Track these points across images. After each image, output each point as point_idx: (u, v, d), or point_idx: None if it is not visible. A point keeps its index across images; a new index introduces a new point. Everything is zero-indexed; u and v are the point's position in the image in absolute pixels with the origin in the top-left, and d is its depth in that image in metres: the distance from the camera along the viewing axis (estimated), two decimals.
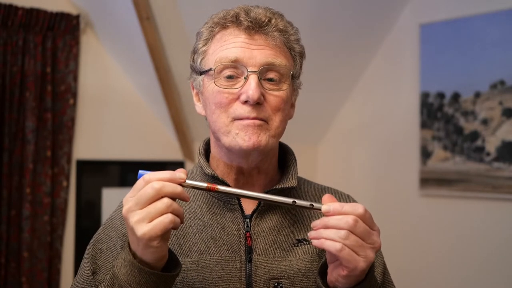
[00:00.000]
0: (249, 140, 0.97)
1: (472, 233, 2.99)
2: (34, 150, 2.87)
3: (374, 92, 3.46)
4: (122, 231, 1.04)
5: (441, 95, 3.09)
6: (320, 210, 0.89)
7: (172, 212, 0.84)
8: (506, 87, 2.85)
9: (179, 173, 0.88)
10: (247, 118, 0.97)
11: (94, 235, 1.08)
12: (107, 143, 3.19)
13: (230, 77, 0.99)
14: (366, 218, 0.88)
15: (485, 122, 2.92)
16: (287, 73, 1.01)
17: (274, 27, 1.00)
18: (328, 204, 0.89)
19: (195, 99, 1.09)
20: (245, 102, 0.97)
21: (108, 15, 3.02)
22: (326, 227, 0.87)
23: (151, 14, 2.75)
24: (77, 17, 2.99)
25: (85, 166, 3.11)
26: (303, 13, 2.95)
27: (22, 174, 2.86)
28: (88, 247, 1.07)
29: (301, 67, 1.07)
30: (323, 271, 0.96)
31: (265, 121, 0.99)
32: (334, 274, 0.91)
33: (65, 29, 2.97)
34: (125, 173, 3.30)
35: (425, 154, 3.15)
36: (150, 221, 0.83)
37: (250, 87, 0.96)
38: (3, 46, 2.79)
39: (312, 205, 0.91)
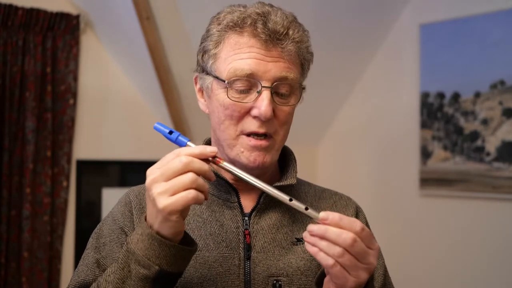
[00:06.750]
0: (254, 162, 0.98)
1: (472, 233, 2.99)
2: (34, 150, 2.87)
3: (374, 92, 3.46)
4: (121, 225, 1.03)
5: (441, 95, 3.09)
6: (317, 218, 0.85)
7: (196, 188, 0.83)
8: (506, 87, 2.85)
9: (210, 148, 0.87)
10: (256, 133, 0.97)
11: (95, 230, 1.07)
12: (107, 143, 3.19)
13: (242, 90, 0.97)
14: (364, 236, 0.84)
15: (485, 122, 2.92)
16: (297, 86, 1.00)
17: (291, 40, 0.98)
18: (326, 212, 0.85)
19: (198, 95, 1.07)
20: (256, 116, 0.96)
21: (108, 15, 3.02)
22: (323, 237, 0.83)
23: (151, 14, 2.75)
24: (77, 17, 2.99)
25: (85, 166, 3.11)
26: (303, 13, 2.93)
27: (22, 174, 2.86)
28: (90, 239, 1.05)
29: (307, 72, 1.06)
30: (321, 281, 0.94)
31: (271, 135, 0.99)
32: (325, 286, 0.90)
33: (65, 29, 2.97)
34: (125, 173, 3.30)
35: (425, 154, 3.15)
36: (173, 194, 0.82)
37: (263, 104, 0.95)
38: (3, 46, 2.79)
39: (307, 208, 0.87)
